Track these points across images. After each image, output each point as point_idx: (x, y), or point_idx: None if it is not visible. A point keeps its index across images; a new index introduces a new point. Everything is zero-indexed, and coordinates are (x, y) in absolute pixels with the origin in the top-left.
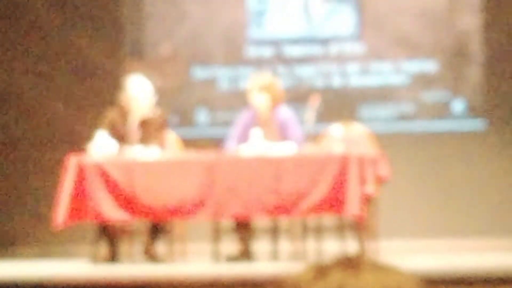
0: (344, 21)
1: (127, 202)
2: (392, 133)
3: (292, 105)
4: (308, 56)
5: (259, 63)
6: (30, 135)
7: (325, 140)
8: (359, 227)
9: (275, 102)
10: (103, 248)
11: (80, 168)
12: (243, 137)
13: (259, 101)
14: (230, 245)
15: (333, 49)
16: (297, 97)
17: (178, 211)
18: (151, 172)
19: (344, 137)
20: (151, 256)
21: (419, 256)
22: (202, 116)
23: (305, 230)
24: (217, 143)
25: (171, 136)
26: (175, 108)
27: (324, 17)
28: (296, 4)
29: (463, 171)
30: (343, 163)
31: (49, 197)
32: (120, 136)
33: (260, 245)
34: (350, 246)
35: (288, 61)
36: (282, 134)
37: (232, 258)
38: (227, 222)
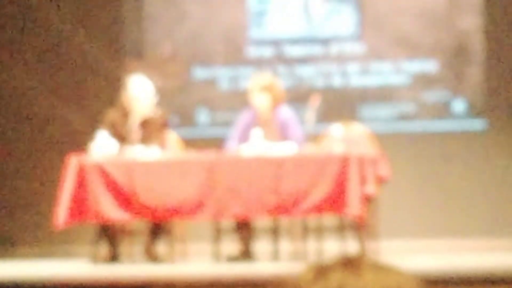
0: (344, 21)
1: (128, 202)
2: (392, 133)
3: (292, 105)
4: (308, 56)
5: (259, 63)
6: (30, 135)
7: (326, 140)
8: (360, 227)
9: (275, 102)
10: (104, 248)
11: (81, 168)
12: (244, 137)
13: (260, 101)
14: (231, 245)
15: (334, 49)
16: (297, 97)
17: (178, 211)
18: (152, 172)
19: (344, 137)
20: (151, 256)
21: (420, 256)
22: (202, 116)
23: (305, 230)
24: (217, 143)
25: (172, 136)
26: (176, 108)
27: (324, 17)
28: (296, 4)
29: (463, 171)
30: (344, 163)
31: (49, 197)
32: (121, 136)
33: (261, 245)
34: (351, 246)
35: (289, 61)
36: (283, 134)
37: (232, 258)
38: (227, 222)
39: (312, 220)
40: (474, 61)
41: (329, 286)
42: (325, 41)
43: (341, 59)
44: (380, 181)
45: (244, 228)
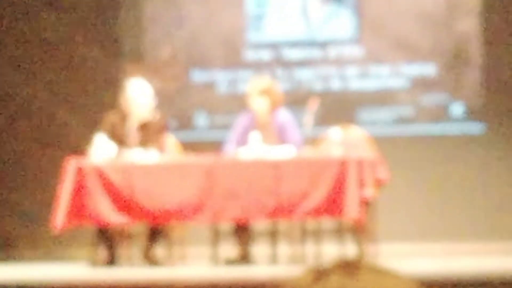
0: (343, 24)
1: (126, 205)
2: (391, 136)
3: (291, 109)
4: (307, 59)
5: (258, 66)
6: (30, 138)
7: (324, 143)
8: (358, 230)
9: (274, 106)
10: (102, 252)
11: (79, 171)
12: (242, 141)
13: (259, 104)
14: (229, 249)
15: (332, 52)
16: (296, 100)
17: (177, 214)
18: (150, 175)
19: (343, 140)
20: (150, 259)
21: (418, 259)
22: (201, 119)
23: (304, 233)
24: (216, 146)
25: (170, 140)
26: (174, 112)
27: (323, 20)
28: (294, 7)
29: (461, 174)
30: (342, 167)
31: (48, 200)
32: (120, 139)
33: (259, 249)
34: (349, 249)
35: (287, 65)
36: (281, 137)
37: (231, 262)
38: (226, 226)
39: (311, 223)
40: (472, 64)
41: None
42: (323, 44)
43: (340, 62)
44: (379, 184)
45: (242, 231)
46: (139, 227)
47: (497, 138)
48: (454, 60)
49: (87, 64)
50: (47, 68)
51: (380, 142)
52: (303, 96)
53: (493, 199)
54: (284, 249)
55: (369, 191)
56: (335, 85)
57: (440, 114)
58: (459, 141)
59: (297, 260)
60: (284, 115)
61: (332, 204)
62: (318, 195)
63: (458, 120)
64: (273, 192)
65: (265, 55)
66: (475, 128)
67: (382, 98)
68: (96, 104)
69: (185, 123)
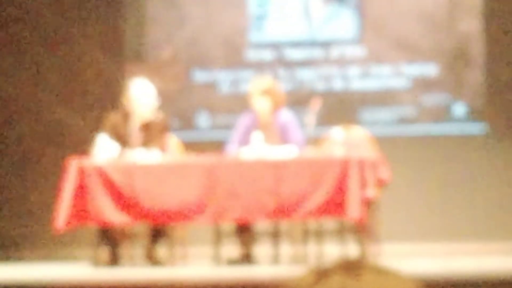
0: (344, 24)
1: (128, 205)
2: (392, 136)
3: (293, 109)
4: (308, 59)
5: (259, 66)
6: (32, 138)
7: (326, 143)
8: (360, 231)
9: (276, 106)
10: (104, 252)
11: (81, 171)
12: (244, 141)
13: (260, 104)
14: (231, 249)
15: (334, 52)
16: (297, 100)
17: (179, 215)
18: (152, 175)
19: (344, 141)
20: (152, 259)
21: (420, 259)
22: (202, 119)
23: (306, 233)
24: (217, 146)
25: (172, 140)
26: (176, 112)
27: (325, 21)
28: (296, 8)
29: (463, 175)
30: (344, 167)
31: (50, 200)
32: (122, 139)
33: (261, 249)
34: (351, 249)
35: (289, 65)
36: (283, 137)
37: (233, 262)
38: (228, 226)
39: (313, 223)
40: (474, 64)
41: None
42: (325, 45)
43: (342, 62)
44: (381, 184)
45: (244, 232)
46: (141, 227)
47: (499, 138)
48: (456, 60)
49: (88, 65)
50: (48, 68)
51: (382, 142)
52: (305, 96)
53: (495, 199)
54: (286, 249)
55: (371, 191)
56: (337, 85)
57: (442, 114)
58: (461, 141)
59: (299, 260)
60: (286, 115)
61: (334, 204)
62: (320, 195)
63: (459, 120)
64: (275, 192)
65: (267, 55)
66: (477, 128)
67: (384, 98)
68: (98, 104)
69: (187, 123)
